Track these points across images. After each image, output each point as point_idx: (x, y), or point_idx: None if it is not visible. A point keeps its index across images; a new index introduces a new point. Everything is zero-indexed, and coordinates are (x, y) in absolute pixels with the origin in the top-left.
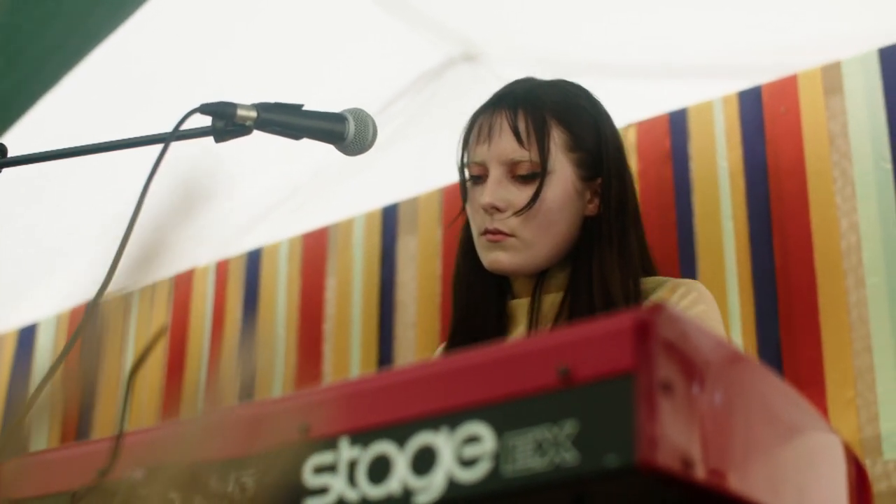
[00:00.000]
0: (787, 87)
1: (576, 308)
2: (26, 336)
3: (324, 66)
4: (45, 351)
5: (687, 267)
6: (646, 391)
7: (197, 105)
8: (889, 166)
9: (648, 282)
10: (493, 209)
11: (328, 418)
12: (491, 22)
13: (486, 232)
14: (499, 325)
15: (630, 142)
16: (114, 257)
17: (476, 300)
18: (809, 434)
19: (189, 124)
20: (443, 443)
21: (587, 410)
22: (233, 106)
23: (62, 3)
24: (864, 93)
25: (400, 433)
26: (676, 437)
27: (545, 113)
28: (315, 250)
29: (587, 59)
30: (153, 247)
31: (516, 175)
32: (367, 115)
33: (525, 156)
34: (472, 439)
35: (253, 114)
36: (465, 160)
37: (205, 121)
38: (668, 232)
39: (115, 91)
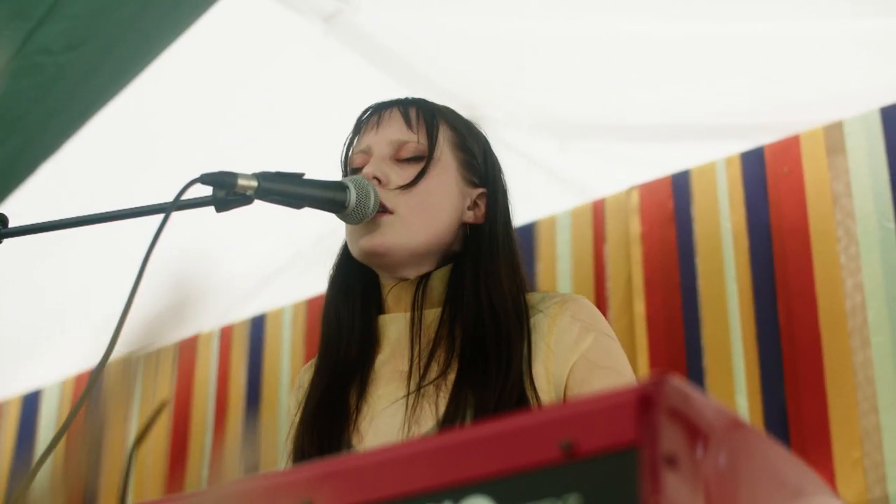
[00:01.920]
0: (790, 148)
1: (461, 321)
2: (30, 403)
3: (325, 131)
4: (49, 418)
5: (691, 328)
6: (650, 464)
7: (197, 175)
8: (892, 225)
9: (531, 297)
10: (374, 180)
11: (331, 493)
12: (493, 85)
13: None
14: (364, 344)
15: (633, 204)
16: (115, 330)
17: (342, 317)
18: (814, 499)
19: (190, 194)
20: None
21: (591, 485)
22: (233, 176)
23: (63, 68)
24: (867, 152)
25: None
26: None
27: (435, 112)
28: (319, 316)
29: (589, 121)
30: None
31: (401, 158)
32: (369, 184)
33: (412, 137)
34: None
35: (254, 183)
36: (350, 154)
37: (206, 190)
38: (672, 294)
39: (117, 157)
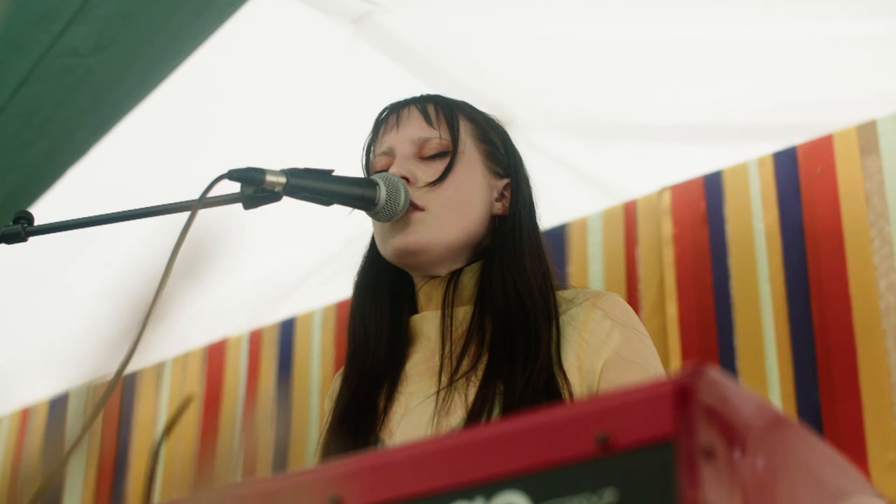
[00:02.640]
0: (823, 147)
1: (491, 315)
2: (58, 407)
3: (355, 133)
4: (77, 423)
5: (724, 329)
6: (687, 458)
7: (225, 171)
8: None
9: (565, 293)
10: (402, 179)
11: (360, 489)
12: (523, 86)
13: None
14: (395, 344)
15: (665, 205)
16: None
17: (368, 320)
18: (855, 499)
19: (217, 191)
20: None
21: (627, 478)
22: (261, 172)
23: (91, 70)
24: None
25: None
26: (723, 502)
27: (454, 107)
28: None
29: (621, 122)
30: (154, 308)
31: (425, 156)
32: (399, 181)
33: (434, 134)
34: None
35: (282, 179)
36: (371, 156)
37: (233, 187)
38: (705, 295)
39: (146, 159)
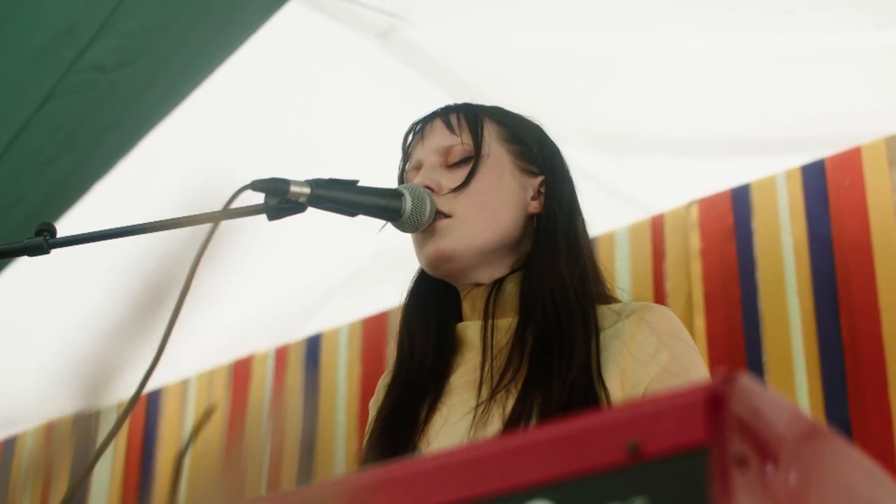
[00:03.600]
0: (851, 160)
1: (532, 327)
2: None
3: (381, 148)
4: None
5: (752, 344)
6: (720, 466)
7: (248, 182)
8: None
9: (612, 307)
10: (427, 189)
11: (390, 499)
12: (549, 100)
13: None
14: (440, 353)
15: (692, 219)
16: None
17: (415, 331)
18: None
19: (241, 202)
20: None
21: (658, 487)
22: (285, 182)
23: (115, 86)
24: None
25: None
26: None
27: (478, 112)
28: (375, 335)
29: (648, 136)
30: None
31: (450, 164)
32: (424, 191)
33: (456, 140)
34: None
35: (306, 190)
36: (405, 175)
37: (257, 198)
38: (733, 309)
39: (170, 175)
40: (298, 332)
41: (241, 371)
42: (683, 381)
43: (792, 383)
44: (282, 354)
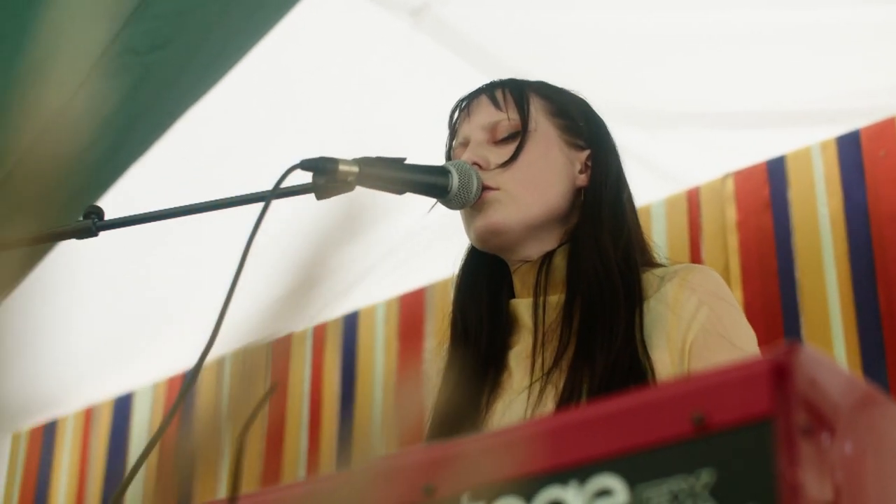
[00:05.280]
0: (886, 130)
1: (580, 301)
2: (122, 406)
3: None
4: (142, 421)
5: (790, 315)
6: (786, 436)
7: (297, 161)
8: None
9: (657, 270)
10: (475, 165)
11: (453, 476)
12: (582, 76)
13: None
14: (495, 331)
15: (728, 191)
16: (214, 327)
17: (468, 309)
18: None
19: (290, 181)
20: (572, 497)
21: (724, 458)
22: (334, 161)
23: (149, 69)
24: None
25: (527, 489)
26: (817, 484)
27: (524, 87)
28: (412, 312)
29: (683, 109)
30: (311, 275)
31: (497, 140)
32: (471, 168)
33: (503, 116)
34: (604, 493)
35: (355, 169)
36: (452, 152)
37: (305, 177)
38: (770, 281)
39: (207, 156)
40: (336, 310)
41: (279, 350)
42: (723, 342)
43: (831, 354)
44: (319, 333)
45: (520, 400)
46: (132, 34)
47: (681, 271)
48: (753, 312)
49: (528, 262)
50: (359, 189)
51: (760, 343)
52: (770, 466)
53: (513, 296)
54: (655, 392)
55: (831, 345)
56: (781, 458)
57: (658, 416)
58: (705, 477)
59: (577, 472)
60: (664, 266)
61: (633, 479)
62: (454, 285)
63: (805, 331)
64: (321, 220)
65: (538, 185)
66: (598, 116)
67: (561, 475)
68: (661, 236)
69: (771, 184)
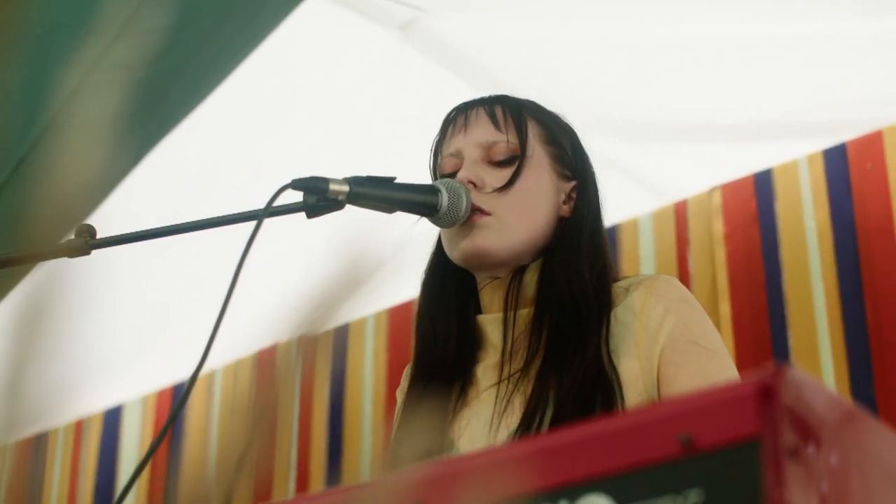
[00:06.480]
0: (873, 143)
1: (548, 317)
2: (112, 419)
3: (405, 139)
4: (131, 434)
5: (777, 328)
6: (773, 457)
7: (288, 181)
8: None
9: (621, 283)
10: (470, 184)
11: (444, 495)
12: (571, 89)
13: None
14: (463, 345)
15: (715, 204)
16: (208, 341)
17: (437, 321)
18: None
19: (281, 200)
20: None
21: (712, 479)
22: (324, 181)
23: (140, 84)
24: None
25: None
26: (804, 503)
27: (521, 108)
28: (401, 324)
29: (669, 122)
30: (317, 316)
31: (493, 160)
32: (460, 186)
33: (502, 137)
34: None
35: (345, 188)
36: (438, 159)
37: (297, 196)
38: (758, 293)
39: (197, 171)
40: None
41: (266, 360)
42: (692, 346)
43: (818, 367)
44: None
45: (486, 408)
46: (122, 48)
47: (645, 281)
48: (741, 325)
49: (497, 278)
50: (360, 242)
51: (747, 357)
52: (757, 487)
53: (478, 311)
54: (643, 413)
55: (818, 357)
56: (768, 478)
57: (646, 437)
58: (693, 497)
59: (567, 492)
60: (627, 278)
61: (622, 499)
62: (420, 296)
63: (792, 343)
64: (324, 277)
65: (528, 212)
66: (583, 147)
67: (551, 495)
68: (648, 249)
69: (758, 197)
